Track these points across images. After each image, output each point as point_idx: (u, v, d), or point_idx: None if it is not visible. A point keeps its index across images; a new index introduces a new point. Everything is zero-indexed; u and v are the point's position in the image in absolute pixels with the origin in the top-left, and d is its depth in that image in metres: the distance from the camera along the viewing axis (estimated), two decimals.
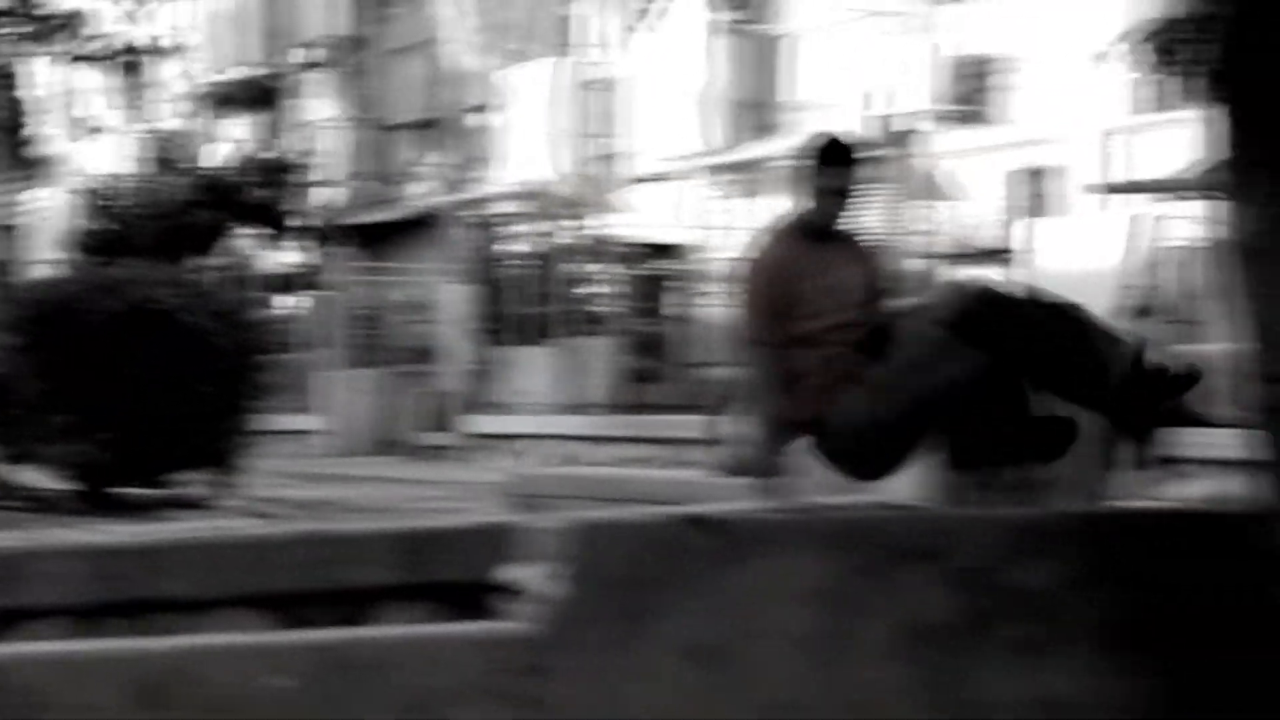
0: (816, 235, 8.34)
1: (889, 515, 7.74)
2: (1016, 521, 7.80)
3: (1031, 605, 7.18)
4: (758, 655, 6.83)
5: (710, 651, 6.74)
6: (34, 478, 15.79)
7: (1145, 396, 7.95)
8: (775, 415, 8.37)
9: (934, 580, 7.19)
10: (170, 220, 42.13)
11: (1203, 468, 20.03)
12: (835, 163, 8.28)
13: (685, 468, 23.70)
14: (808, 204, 8.35)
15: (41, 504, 14.90)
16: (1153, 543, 7.68)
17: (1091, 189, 30.70)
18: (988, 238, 32.75)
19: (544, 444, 31.23)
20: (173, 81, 51.86)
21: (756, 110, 39.01)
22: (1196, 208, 24.47)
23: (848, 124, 34.16)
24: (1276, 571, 7.04)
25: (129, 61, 40.84)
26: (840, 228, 8.50)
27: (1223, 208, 7.27)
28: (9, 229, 46.22)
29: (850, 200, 8.38)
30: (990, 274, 28.46)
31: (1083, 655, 7.14)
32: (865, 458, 8.34)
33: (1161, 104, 28.05)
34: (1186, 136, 9.01)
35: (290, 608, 8.90)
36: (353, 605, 8.88)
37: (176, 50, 50.22)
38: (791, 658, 6.92)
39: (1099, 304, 22.62)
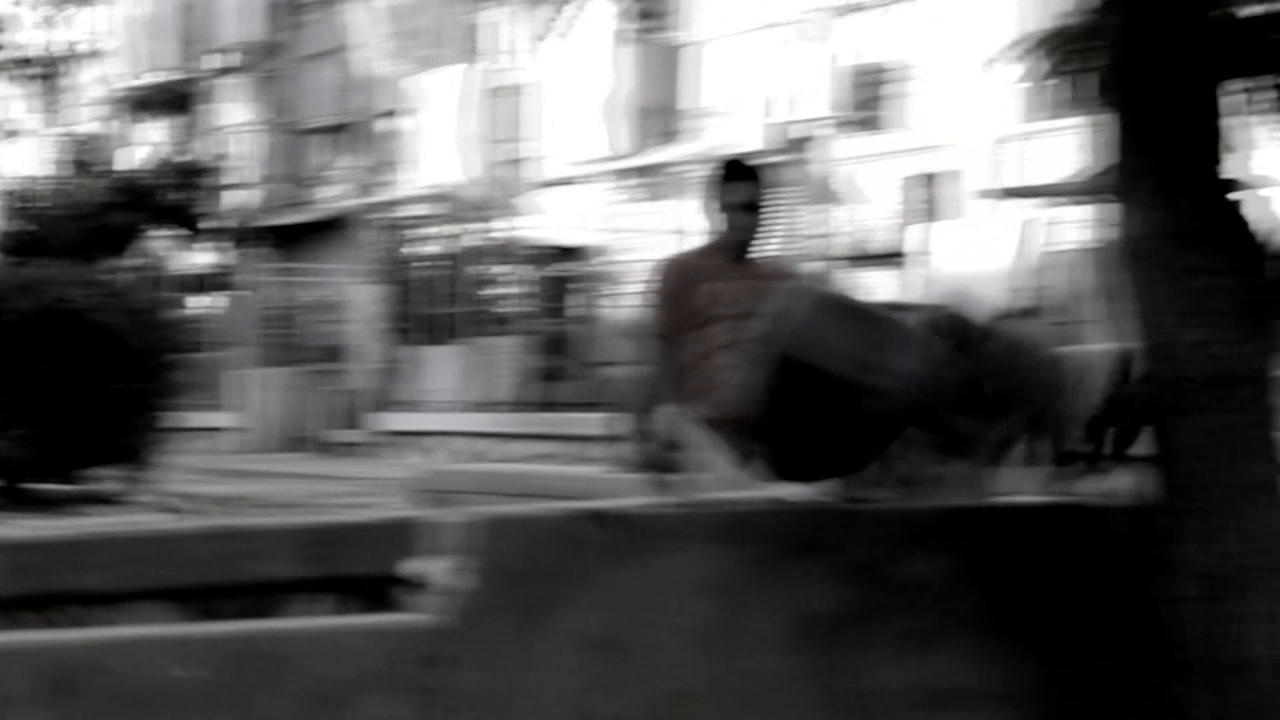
0: (733, 253, 8.15)
1: (780, 510, 7.76)
2: (905, 516, 7.84)
3: (919, 597, 7.23)
4: (654, 646, 6.83)
5: (608, 642, 6.74)
6: None
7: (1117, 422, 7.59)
8: (676, 410, 8.28)
9: (824, 573, 7.21)
10: (87, 222, 41.89)
11: (1090, 463, 20.19)
12: (740, 179, 8.11)
13: (588, 464, 23.74)
14: (720, 224, 8.17)
15: None
16: (1033, 535, 7.75)
17: (984, 194, 30.90)
18: (884, 241, 32.89)
19: (451, 441, 31.21)
20: (90, 86, 51.58)
21: (660, 116, 39.07)
22: (1084, 212, 24.69)
23: (749, 130, 34.51)
24: (1145, 560, 7.11)
25: (45, 67, 40.53)
26: (756, 250, 8.26)
27: (1109, 212, 7.36)
28: None
29: (761, 217, 8.15)
30: (878, 277, 28.75)
31: (969, 644, 7.19)
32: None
33: (1052, 112, 28.27)
34: (1076, 143, 9.06)
35: (200, 601, 8.86)
36: (261, 598, 8.85)
37: (93, 55, 50.04)
38: (686, 648, 6.92)
39: (990, 304, 22.89)
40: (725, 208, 8.00)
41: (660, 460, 8.80)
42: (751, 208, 8.00)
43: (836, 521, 7.74)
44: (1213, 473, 6.89)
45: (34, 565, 9.97)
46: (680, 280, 8.10)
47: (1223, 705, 6.68)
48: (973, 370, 7.29)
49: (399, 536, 8.48)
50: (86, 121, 51.02)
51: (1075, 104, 7.57)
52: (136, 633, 7.03)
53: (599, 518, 7.08)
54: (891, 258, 31.25)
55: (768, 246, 8.33)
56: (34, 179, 45.01)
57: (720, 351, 7.91)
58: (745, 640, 6.97)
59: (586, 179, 39.17)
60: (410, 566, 7.23)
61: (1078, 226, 27.25)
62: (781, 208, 8.80)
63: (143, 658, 6.48)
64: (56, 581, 9.52)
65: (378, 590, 8.14)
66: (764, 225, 8.11)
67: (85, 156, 46.43)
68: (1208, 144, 7.10)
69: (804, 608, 7.10)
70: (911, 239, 31.74)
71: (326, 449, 32.22)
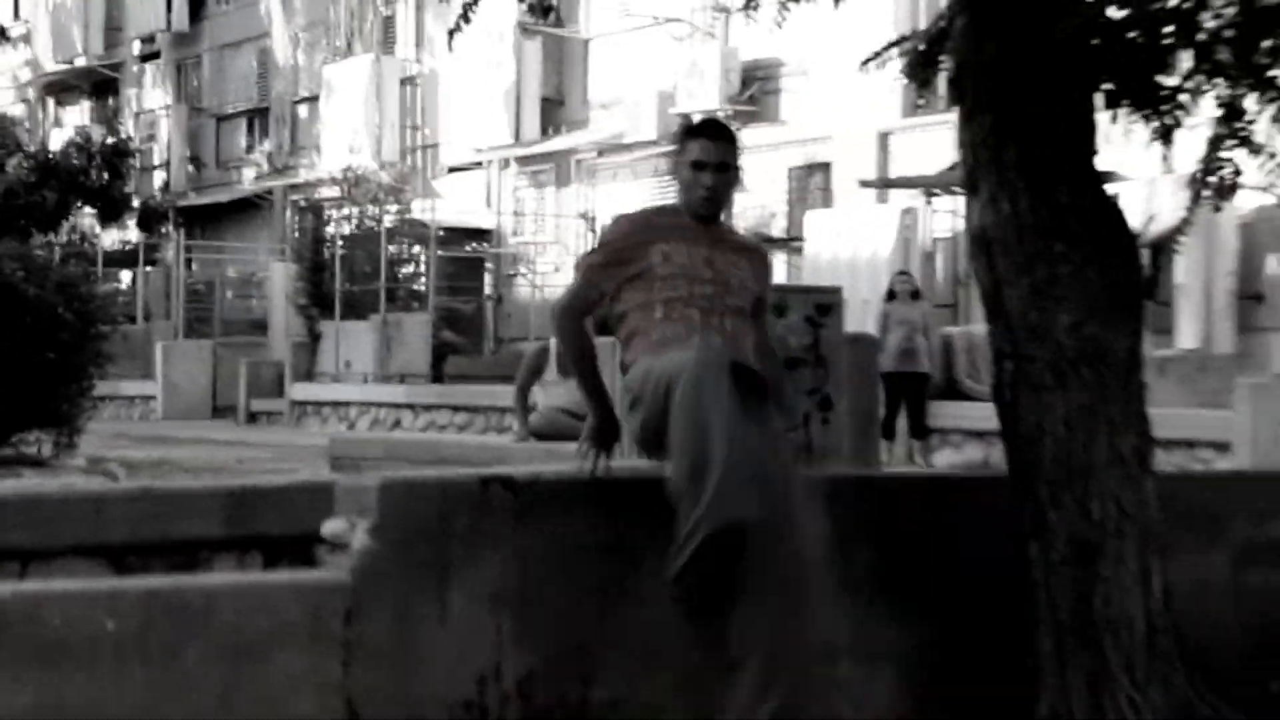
0: (695, 215, 7.01)
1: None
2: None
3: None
4: (551, 602, 6.87)
5: (509, 599, 6.76)
6: None
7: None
8: (585, 382, 7.18)
9: None
10: (14, 200, 41.57)
11: (968, 437, 20.28)
12: (710, 137, 7.00)
13: (496, 433, 23.73)
14: (685, 184, 7.00)
15: None
16: (907, 503, 7.83)
17: (865, 184, 31.03)
18: (772, 228, 33.02)
19: (369, 411, 31.12)
20: (11, 70, 51.17)
21: (559, 106, 39.20)
22: (958, 202, 24.83)
23: (643, 120, 34.67)
24: (1016, 527, 7.18)
25: None
26: (717, 222, 7.14)
27: (967, 210, 7.47)
28: None
29: (729, 180, 6.99)
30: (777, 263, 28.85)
31: (856, 604, 7.21)
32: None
33: (928, 107, 28.46)
34: (948, 138, 9.10)
35: (125, 558, 8.82)
36: (187, 556, 8.81)
37: (17, 39, 49.63)
38: (581, 604, 6.97)
39: (873, 287, 22.99)
40: (693, 165, 6.89)
41: (546, 429, 8.65)
42: (722, 168, 6.90)
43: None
44: (1087, 444, 6.96)
45: None
46: (631, 237, 7.01)
47: (1099, 661, 6.75)
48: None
49: (318, 499, 8.42)
50: (11, 104, 50.62)
51: (945, 100, 7.70)
52: (68, 585, 6.92)
53: (500, 482, 7.05)
54: (783, 242, 31.39)
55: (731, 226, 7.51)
56: None
57: (662, 306, 6.84)
58: (635, 597, 6.98)
59: (490, 164, 39.24)
60: (329, 527, 7.15)
61: (952, 215, 27.46)
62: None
63: (75, 609, 6.42)
64: None
65: (298, 550, 8.09)
66: (729, 190, 7.02)
67: (10, 137, 45.98)
68: (1071, 140, 7.20)
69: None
70: (799, 226, 31.85)
71: (248, 418, 32.06)
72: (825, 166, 33.20)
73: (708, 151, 6.82)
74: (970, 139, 7.31)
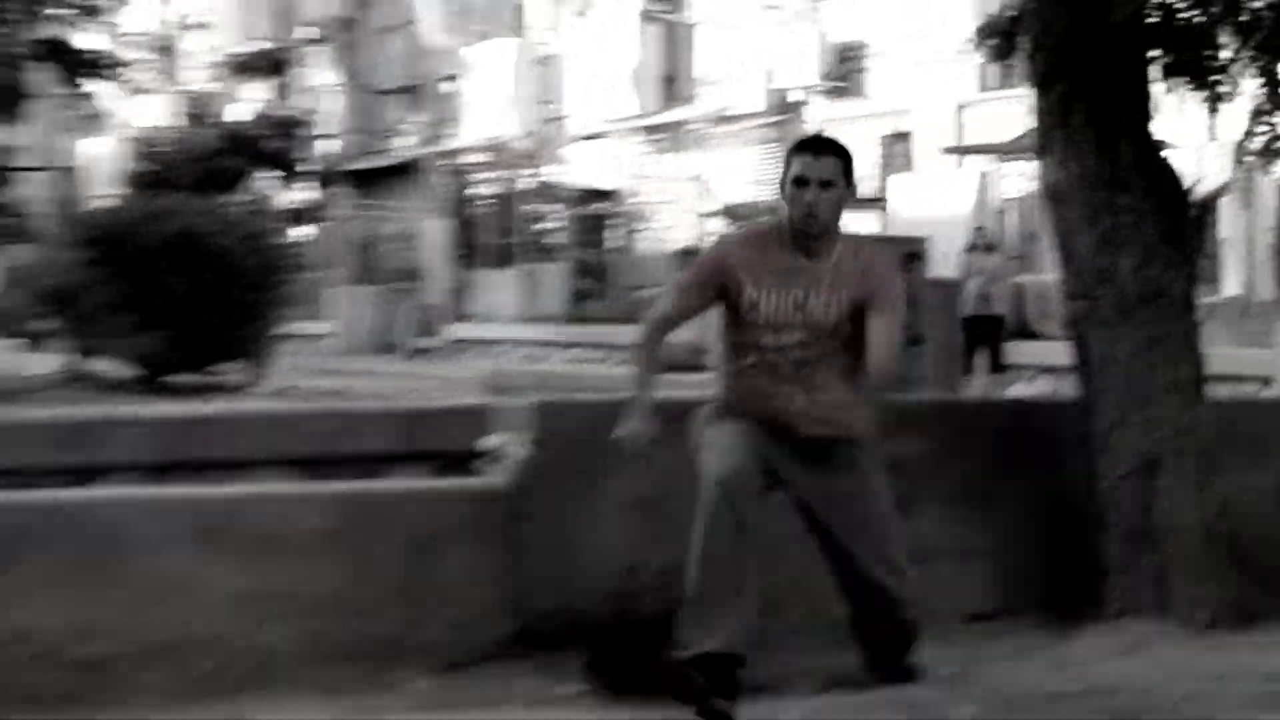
0: (791, 240, 5.84)
1: None
2: (886, 404, 7.87)
3: (902, 470, 7.31)
4: (683, 507, 6.78)
5: (648, 504, 6.75)
6: (104, 367, 15.80)
7: None
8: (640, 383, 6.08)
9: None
10: (201, 165, 42.11)
11: (1039, 372, 20.24)
12: (813, 152, 5.81)
13: (621, 368, 23.79)
14: (785, 206, 5.85)
15: (111, 387, 14.91)
16: (991, 425, 7.88)
17: (947, 150, 31.00)
18: (864, 191, 33.02)
19: (511, 348, 31.39)
20: (200, 53, 51.69)
21: (673, 83, 39.36)
22: (1029, 166, 24.85)
23: (749, 95, 34.80)
24: (1074, 447, 7.25)
25: (164, 36, 40.61)
26: (825, 239, 5.83)
27: (1040, 169, 7.55)
28: (70, 170, 46.03)
29: (829, 200, 5.75)
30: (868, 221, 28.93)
31: (941, 509, 7.23)
32: None
33: (1005, 83, 28.39)
34: (1018, 109, 9.18)
35: (314, 468, 8.94)
36: (365, 467, 8.92)
37: (203, 26, 50.31)
38: None
39: (950, 242, 22.97)
40: (795, 181, 5.72)
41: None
42: (825, 185, 5.70)
43: None
44: (1149, 373, 7.04)
45: (178, 438, 10.10)
46: (723, 272, 5.85)
47: (1161, 562, 6.82)
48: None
49: (478, 420, 8.55)
50: (200, 82, 51.22)
51: (1020, 75, 7.72)
52: (276, 489, 7.20)
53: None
54: (871, 203, 31.34)
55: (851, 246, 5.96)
56: (158, 129, 45.40)
57: (754, 353, 5.81)
58: (761, 503, 7.00)
59: (615, 134, 39.36)
60: (491, 441, 7.33)
61: (1025, 179, 27.39)
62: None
63: (282, 508, 6.63)
64: (196, 451, 9.65)
65: (461, 463, 8.14)
66: (834, 208, 5.76)
67: (199, 111, 46.68)
68: (1131, 107, 7.24)
69: None
70: (884, 189, 31.85)
71: (408, 353, 32.30)
72: (907, 136, 33.26)
73: (809, 168, 5.68)
74: (1043, 107, 7.36)
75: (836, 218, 5.74)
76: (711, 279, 5.83)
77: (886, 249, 6.47)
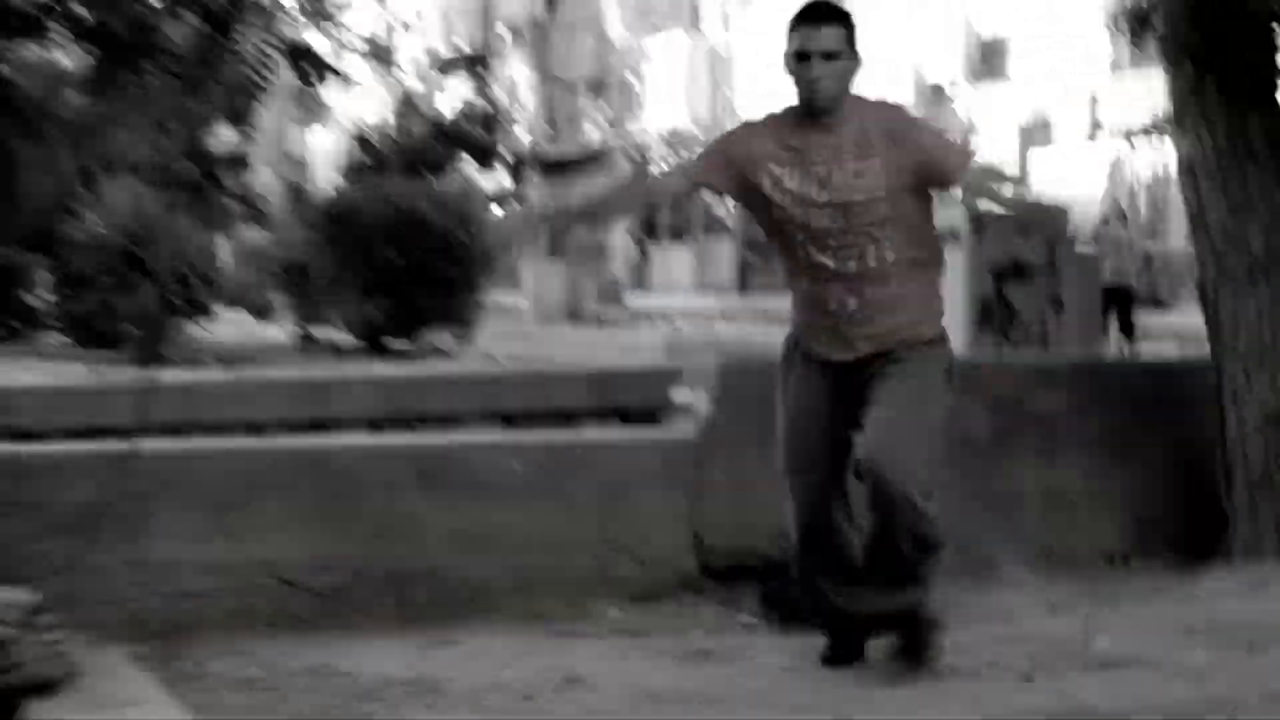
0: (801, 117, 4.93)
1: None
2: (1034, 363, 7.89)
3: (1045, 423, 7.27)
4: None
5: None
6: (329, 333, 16.01)
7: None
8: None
9: (976, 405, 7.09)
10: (412, 154, 42.70)
11: (1166, 335, 20.00)
12: (804, 23, 4.83)
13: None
14: (792, 84, 4.92)
15: (336, 351, 15.10)
16: (1126, 382, 7.84)
17: (1082, 131, 30.65)
18: (1009, 167, 32.78)
19: (688, 316, 31.48)
20: (411, 51, 52.26)
21: None
22: (1164, 144, 24.49)
23: (900, 81, 34.58)
24: (1202, 402, 7.21)
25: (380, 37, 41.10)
26: (836, 111, 4.88)
27: (1174, 143, 7.47)
28: (299, 159, 46.75)
29: (834, 71, 4.79)
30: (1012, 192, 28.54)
31: (1080, 459, 7.22)
32: None
33: (1139, 64, 28.02)
34: (1147, 92, 9.03)
35: (515, 421, 9.04)
36: (562, 420, 9.02)
37: (411, 28, 50.96)
38: None
39: (1090, 215, 22.70)
40: (796, 56, 4.81)
41: None
42: (829, 56, 4.77)
43: (988, 368, 7.89)
44: (1275, 331, 7.00)
45: (398, 395, 10.30)
46: (738, 148, 5.00)
47: None
48: None
49: (662, 379, 8.58)
50: (413, 79, 51.77)
51: (1154, 57, 7.63)
52: (486, 437, 7.25)
53: None
54: (1014, 181, 31.05)
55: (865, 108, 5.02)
56: (379, 122, 46.27)
57: (798, 251, 4.97)
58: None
59: None
60: (677, 396, 7.34)
61: (1153, 157, 27.06)
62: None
63: (492, 455, 6.67)
64: (416, 406, 9.83)
65: (647, 418, 8.21)
66: (842, 79, 4.82)
67: (409, 105, 47.33)
68: (1259, 84, 7.15)
69: (961, 432, 7.13)
70: (1026, 168, 31.53)
71: (596, 321, 32.46)
72: (1046, 118, 32.77)
73: (810, 39, 4.71)
74: (1176, 85, 7.26)
75: (845, 88, 4.79)
76: (726, 161, 4.94)
77: (894, 104, 5.15)
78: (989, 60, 34.22)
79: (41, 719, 3.71)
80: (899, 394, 4.84)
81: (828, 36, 4.70)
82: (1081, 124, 30.91)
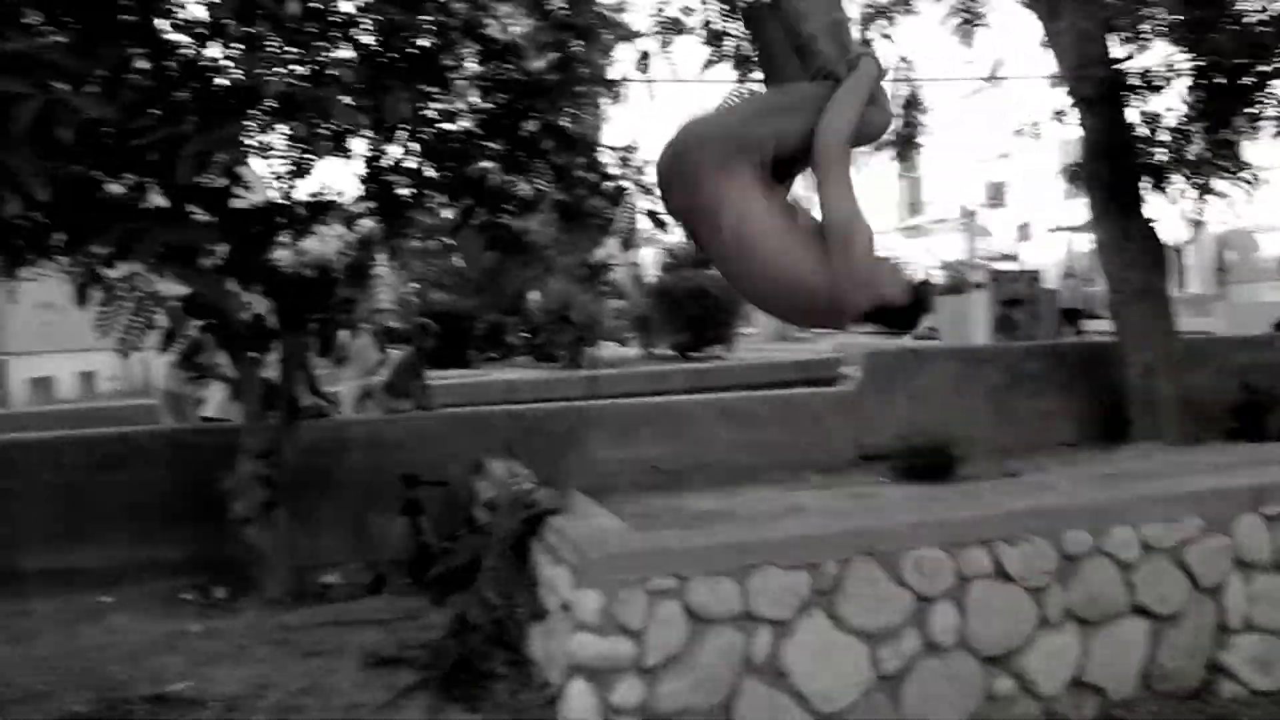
0: None
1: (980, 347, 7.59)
2: (1025, 347, 7.44)
3: (1033, 377, 7.04)
4: (937, 401, 6.73)
5: (923, 396, 6.70)
6: (660, 350, 15.21)
7: None
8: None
9: (997, 369, 6.99)
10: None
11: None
12: None
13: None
14: None
15: (664, 359, 14.62)
16: (1077, 354, 7.29)
17: (1053, 229, 28.03)
18: (1009, 253, 30.23)
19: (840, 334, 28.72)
20: None
21: None
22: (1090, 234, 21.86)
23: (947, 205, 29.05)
24: (1114, 364, 6.80)
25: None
26: None
27: (1094, 232, 6.92)
28: (639, 262, 45.10)
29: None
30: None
31: (1053, 394, 6.96)
32: None
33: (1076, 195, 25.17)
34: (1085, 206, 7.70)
35: (761, 387, 8.06)
36: (784, 386, 8.45)
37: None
38: (946, 399, 6.74)
39: (1056, 272, 19.94)
40: None
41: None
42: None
43: (1003, 350, 7.58)
44: (1147, 327, 6.64)
45: (701, 377, 10.14)
46: None
47: None
48: None
49: (834, 363, 8.72)
50: None
51: (1081, 189, 7.04)
52: (746, 394, 6.83)
53: (914, 351, 7.19)
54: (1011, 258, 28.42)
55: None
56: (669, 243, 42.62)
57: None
58: (976, 392, 6.89)
59: None
60: (843, 371, 7.19)
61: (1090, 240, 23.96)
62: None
63: (749, 404, 6.40)
64: (709, 382, 9.63)
65: (829, 383, 7.65)
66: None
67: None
68: (1135, 200, 6.66)
69: (989, 381, 7.00)
70: (1019, 250, 28.57)
71: (794, 339, 27.08)
72: (1029, 224, 27.57)
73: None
74: (1093, 203, 6.83)
75: None
76: None
77: None
78: (995, 194, 31.30)
79: (552, 529, 3.60)
80: None
81: None
82: (1050, 226, 27.63)
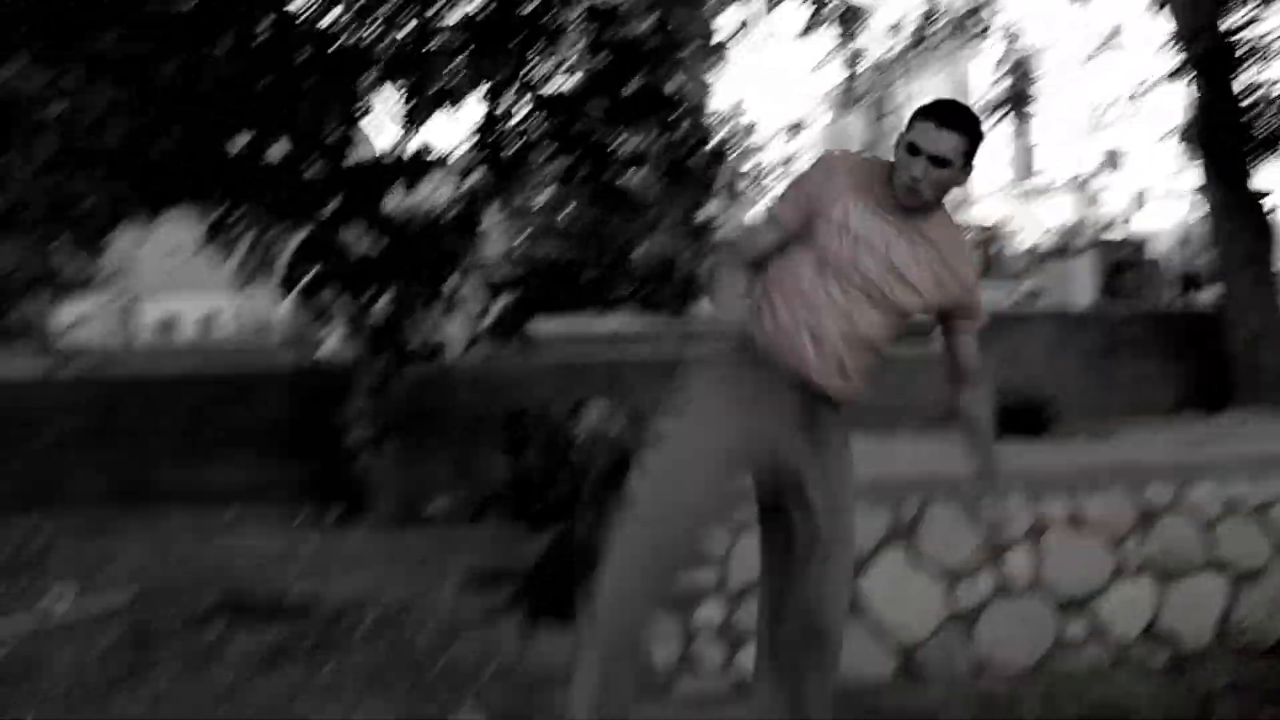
0: (894, 194, 2.24)
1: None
2: (1136, 316, 7.36)
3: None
4: (1032, 363, 6.58)
5: (1013, 360, 6.50)
6: None
7: None
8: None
9: (1096, 330, 6.89)
10: None
11: None
12: (930, 119, 2.19)
13: None
14: (897, 165, 2.22)
15: None
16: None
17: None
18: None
19: None
20: None
21: None
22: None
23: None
24: (1215, 335, 6.73)
25: None
26: (924, 211, 2.25)
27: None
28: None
29: (937, 179, 2.18)
30: None
31: (1153, 362, 6.84)
32: None
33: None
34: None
35: None
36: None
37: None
38: (1040, 362, 6.65)
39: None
40: (908, 147, 2.19)
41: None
42: (938, 162, 2.17)
43: (1086, 317, 7.40)
44: (1262, 292, 6.55)
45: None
46: (823, 183, 2.25)
47: None
48: None
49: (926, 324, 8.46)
50: None
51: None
52: None
53: (1006, 314, 7.06)
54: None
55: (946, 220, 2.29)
56: None
57: (814, 264, 2.23)
58: (1072, 355, 6.67)
59: None
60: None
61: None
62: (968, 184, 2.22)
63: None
64: None
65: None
66: (940, 188, 2.21)
67: None
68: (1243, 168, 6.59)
69: (1088, 343, 6.85)
70: None
71: None
72: None
73: (927, 138, 2.19)
74: (1207, 169, 6.75)
75: (940, 198, 2.27)
76: (812, 196, 2.25)
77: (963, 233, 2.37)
78: (1110, 159, 26.93)
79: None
80: (842, 495, 2.29)
81: (946, 141, 2.21)
82: (1164, 192, 24.29)
